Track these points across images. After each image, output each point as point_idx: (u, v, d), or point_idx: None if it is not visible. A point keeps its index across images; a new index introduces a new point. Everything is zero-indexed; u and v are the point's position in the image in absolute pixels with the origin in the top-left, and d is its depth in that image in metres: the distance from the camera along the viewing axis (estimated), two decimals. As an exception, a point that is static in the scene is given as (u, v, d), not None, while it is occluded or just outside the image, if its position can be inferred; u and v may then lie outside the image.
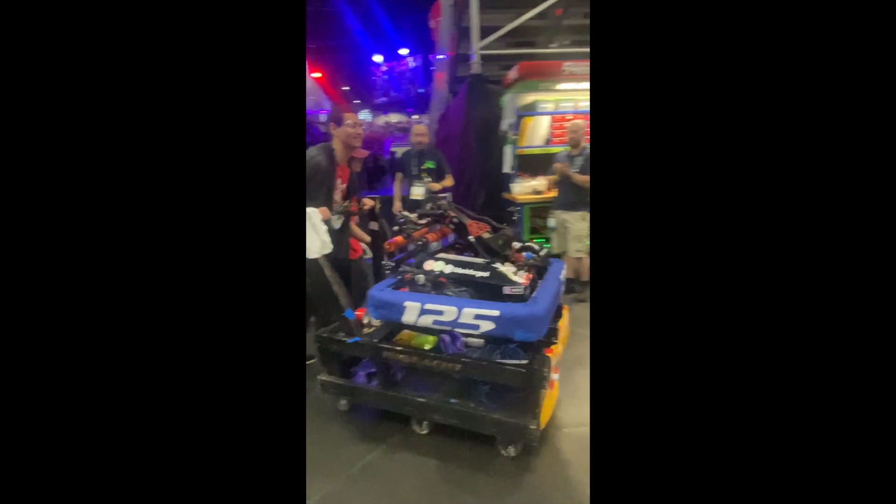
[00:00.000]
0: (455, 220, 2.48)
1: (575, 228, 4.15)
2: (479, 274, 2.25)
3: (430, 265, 2.31)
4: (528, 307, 2.11)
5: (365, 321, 2.66)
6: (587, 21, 6.10)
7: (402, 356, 2.38)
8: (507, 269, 2.29)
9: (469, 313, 2.16)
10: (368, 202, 2.97)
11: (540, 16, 6.06)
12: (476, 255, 2.53)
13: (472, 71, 5.81)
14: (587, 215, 4.09)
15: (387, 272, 2.49)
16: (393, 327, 2.49)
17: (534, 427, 2.18)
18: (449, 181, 4.35)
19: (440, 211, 2.49)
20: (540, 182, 4.88)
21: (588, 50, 5.90)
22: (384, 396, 2.47)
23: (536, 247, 2.55)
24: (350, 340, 2.45)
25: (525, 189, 4.98)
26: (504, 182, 5.37)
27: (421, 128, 4.58)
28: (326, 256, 2.46)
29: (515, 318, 2.09)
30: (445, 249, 2.61)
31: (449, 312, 2.19)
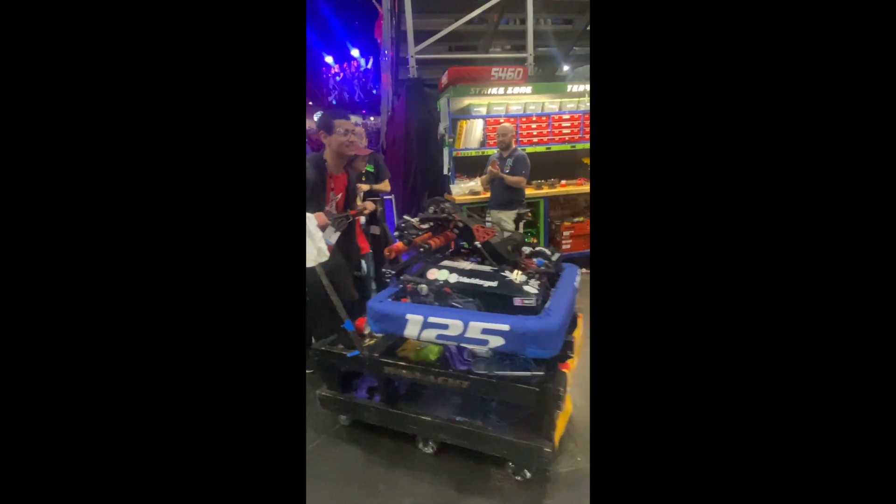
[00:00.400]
0: (460, 224, 2.19)
1: (509, 226, 4.13)
2: (486, 283, 1.96)
3: (433, 274, 2.03)
4: (540, 321, 1.83)
5: (366, 332, 2.40)
6: (523, 27, 6.01)
7: (404, 371, 2.11)
8: (516, 277, 2.00)
9: (476, 327, 1.88)
10: (370, 206, 2.68)
11: (480, 20, 6.01)
12: (482, 262, 2.24)
13: (409, 75, 5.72)
14: (521, 213, 4.19)
15: (387, 280, 2.21)
16: (396, 339, 2.22)
17: (549, 450, 1.91)
18: (385, 186, 4.16)
19: (444, 215, 2.20)
20: (476, 183, 4.91)
21: (518, 55, 5.98)
22: (386, 414, 2.21)
23: (548, 251, 2.25)
24: (349, 354, 2.19)
25: (462, 190, 5.00)
26: (446, 184, 5.34)
27: (358, 130, 4.33)
28: (323, 265, 2.19)
29: (527, 334, 1.81)
30: (450, 256, 2.32)
31: (454, 326, 1.91)
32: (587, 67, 5.89)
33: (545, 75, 6.33)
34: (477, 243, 2.12)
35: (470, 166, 5.22)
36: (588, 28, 6.78)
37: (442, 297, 2.03)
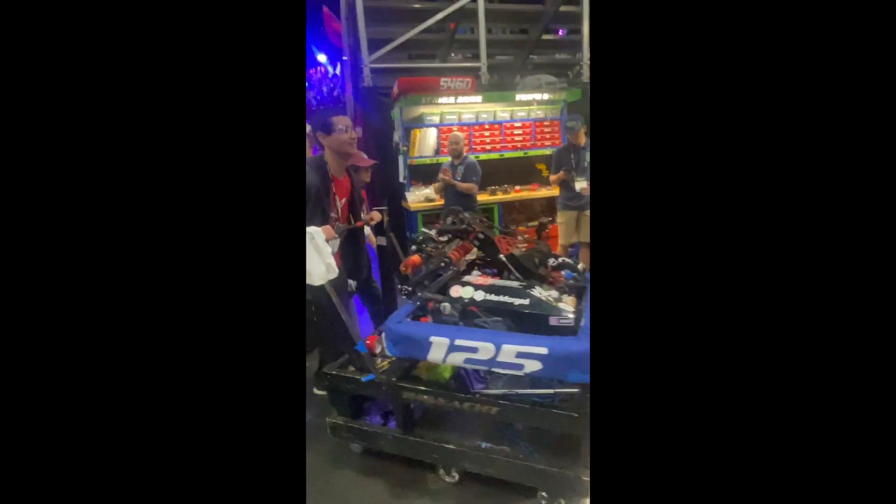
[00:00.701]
0: (481, 235, 1.96)
1: None
2: (517, 301, 1.75)
3: (457, 291, 1.80)
4: (580, 342, 1.63)
5: (377, 350, 2.15)
6: (475, 36, 5.94)
7: (425, 397, 1.88)
8: (546, 292, 1.79)
9: (510, 351, 1.66)
10: (376, 216, 2.42)
11: (438, 29, 5.89)
12: (500, 275, 2.03)
13: (364, 84, 5.62)
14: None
15: (403, 297, 1.97)
16: (411, 361, 1.99)
17: (586, 478, 1.72)
18: None
19: (463, 226, 1.97)
20: (432, 191, 4.87)
21: (471, 65, 5.85)
22: (404, 441, 1.97)
23: (573, 262, 2.05)
24: (364, 379, 1.94)
25: (418, 198, 4.95)
26: (402, 191, 5.33)
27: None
28: (332, 282, 1.93)
29: (569, 357, 1.61)
30: (469, 270, 2.10)
31: (485, 350, 1.69)
32: (536, 77, 5.90)
33: (505, 83, 6.19)
34: (501, 256, 1.89)
35: (425, 174, 5.13)
36: (542, 37, 6.72)
37: (467, 316, 1.81)
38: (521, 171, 5.58)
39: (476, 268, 2.13)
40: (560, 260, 2.06)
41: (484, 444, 1.90)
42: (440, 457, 1.93)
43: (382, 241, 2.42)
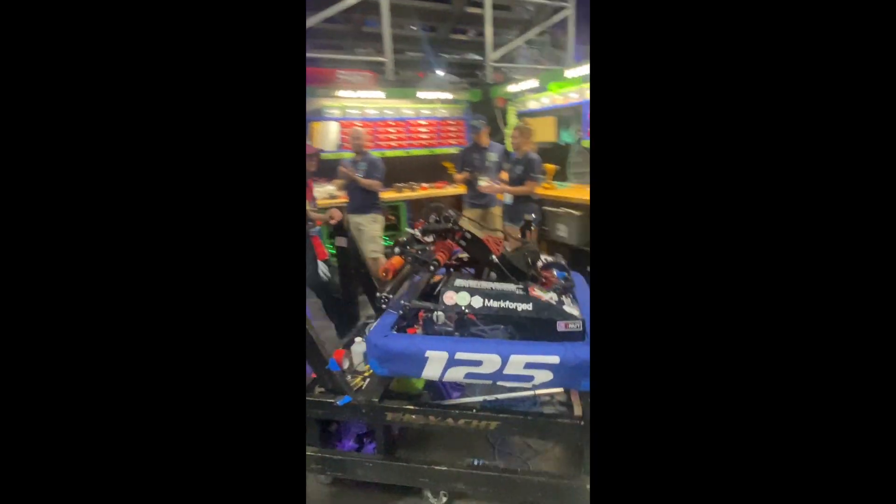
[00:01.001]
0: (468, 234, 1.74)
1: (368, 230, 3.93)
2: (521, 307, 1.56)
3: (451, 298, 1.57)
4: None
5: (345, 366, 1.84)
6: (378, 30, 5.77)
7: (413, 417, 1.62)
8: (545, 295, 1.62)
9: (518, 362, 1.48)
10: (337, 214, 2.08)
11: (345, 21, 5.76)
12: (479, 277, 1.83)
13: None
14: (378, 217, 3.98)
15: (382, 306, 1.69)
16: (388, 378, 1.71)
17: (589, 487, 1.59)
18: None
19: (450, 225, 1.73)
20: (334, 187, 4.63)
21: (376, 59, 5.70)
22: (388, 468, 1.69)
23: (564, 261, 1.91)
24: (340, 402, 1.63)
25: (321, 194, 4.67)
26: None
27: None
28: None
29: (581, 365, 1.46)
30: (452, 273, 1.86)
31: (490, 362, 1.49)
32: (439, 75, 5.86)
33: (411, 80, 5.99)
34: (493, 257, 1.69)
35: (328, 169, 4.68)
36: (452, 36, 6.67)
37: (464, 325, 1.58)
38: (428, 168, 5.43)
39: (453, 269, 1.90)
40: (550, 259, 1.90)
41: (476, 461, 1.70)
42: (430, 480, 1.69)
43: (343, 241, 2.08)
